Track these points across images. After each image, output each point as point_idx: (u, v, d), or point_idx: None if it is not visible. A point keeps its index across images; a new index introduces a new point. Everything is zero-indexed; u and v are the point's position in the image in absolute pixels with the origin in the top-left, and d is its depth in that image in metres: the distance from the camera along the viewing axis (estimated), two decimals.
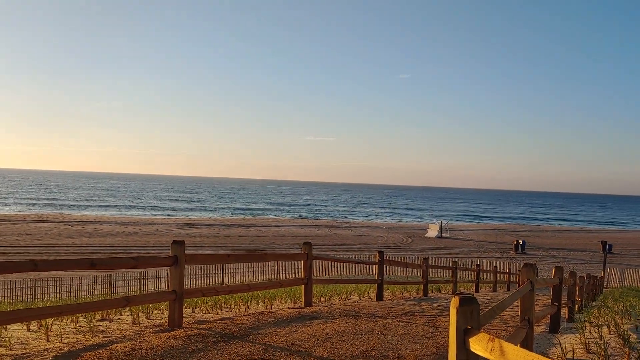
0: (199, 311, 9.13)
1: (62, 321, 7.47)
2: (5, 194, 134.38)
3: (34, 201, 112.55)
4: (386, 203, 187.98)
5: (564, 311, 10.59)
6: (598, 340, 6.75)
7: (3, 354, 5.50)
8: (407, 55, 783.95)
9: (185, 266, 7.41)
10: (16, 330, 6.79)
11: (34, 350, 5.69)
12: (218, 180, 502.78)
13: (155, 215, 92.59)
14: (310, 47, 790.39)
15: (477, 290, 21.69)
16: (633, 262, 50.74)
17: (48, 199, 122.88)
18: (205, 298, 10.41)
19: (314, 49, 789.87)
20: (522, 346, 5.52)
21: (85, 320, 7.51)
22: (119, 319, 7.95)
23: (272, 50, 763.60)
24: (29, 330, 6.87)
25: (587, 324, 8.51)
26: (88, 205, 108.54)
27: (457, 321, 3.29)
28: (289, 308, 9.70)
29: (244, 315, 8.36)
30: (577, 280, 12.53)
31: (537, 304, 11.17)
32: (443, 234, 69.12)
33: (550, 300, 8.63)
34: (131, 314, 8.15)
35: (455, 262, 20.00)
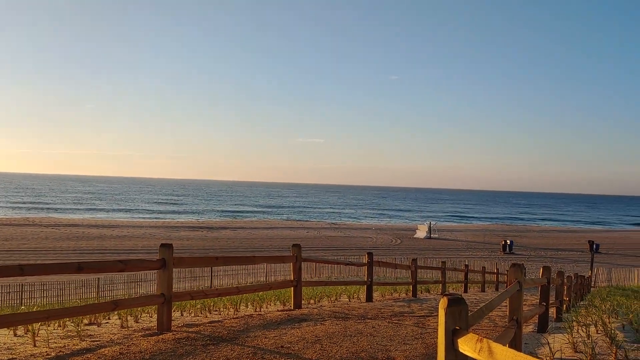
0: (188, 314, 9.09)
1: (49, 326, 7.40)
2: None
3: (20, 204, 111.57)
4: (375, 204, 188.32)
5: (552, 311, 10.67)
6: (586, 339, 6.80)
7: None
8: (397, 56, 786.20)
9: (174, 269, 7.38)
10: (2, 336, 6.72)
11: (21, 356, 5.64)
12: (206, 182, 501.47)
13: (143, 218, 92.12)
14: (296, 48, 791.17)
15: (465, 291, 21.78)
16: (620, 261, 51.24)
17: (34, 202, 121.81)
18: (194, 301, 10.36)
19: (298, 50, 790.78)
20: (511, 346, 5.55)
21: (72, 324, 7.45)
22: (107, 322, 7.89)
23: (258, 51, 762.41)
24: (15, 335, 6.80)
25: (575, 323, 8.58)
26: (75, 209, 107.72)
27: (446, 322, 3.30)
28: (278, 310, 9.69)
29: (233, 318, 8.33)
30: (565, 280, 12.62)
31: (525, 304, 11.23)
32: (432, 235, 69.39)
33: (538, 300, 8.68)
34: (119, 318, 8.09)
35: (444, 262, 20.07)
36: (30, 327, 6.71)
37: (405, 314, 9.80)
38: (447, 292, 3.39)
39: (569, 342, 6.64)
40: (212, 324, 7.62)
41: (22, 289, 23.60)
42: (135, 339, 6.48)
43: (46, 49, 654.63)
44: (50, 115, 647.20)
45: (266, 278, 31.13)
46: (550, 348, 6.16)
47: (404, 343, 6.85)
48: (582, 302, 16.46)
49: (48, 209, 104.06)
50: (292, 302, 10.01)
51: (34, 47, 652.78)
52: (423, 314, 9.95)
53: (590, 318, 9.02)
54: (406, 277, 27.73)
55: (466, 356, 3.24)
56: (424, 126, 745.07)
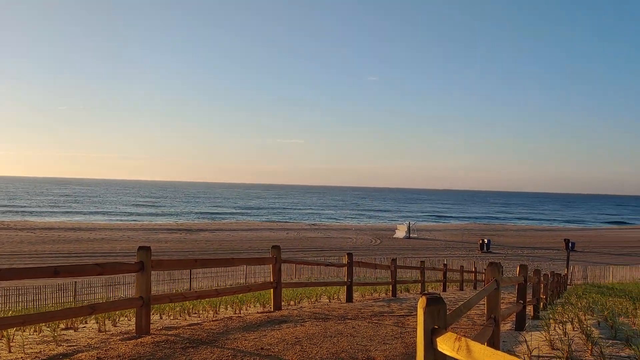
0: (167, 317, 9.02)
1: (24, 331, 7.28)
2: None
3: None
4: (355, 205, 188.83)
5: (530, 309, 10.80)
6: (562, 336, 6.90)
7: None
8: (375, 57, 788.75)
9: (152, 272, 7.32)
10: None
11: None
12: (184, 184, 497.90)
13: (121, 220, 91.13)
14: (271, 53, 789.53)
15: (444, 290, 21.95)
16: (595, 259, 52.07)
17: (8, 205, 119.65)
18: (173, 304, 10.29)
19: (273, 54, 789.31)
20: (489, 344, 5.61)
21: (49, 329, 7.34)
22: (84, 327, 7.79)
23: (234, 56, 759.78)
24: None
25: (551, 321, 8.71)
26: (51, 212, 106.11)
27: (425, 321, 3.33)
28: (258, 312, 9.66)
29: (213, 321, 8.29)
30: (542, 278, 12.79)
31: (503, 302, 11.36)
32: (411, 235, 69.78)
33: (515, 298, 8.78)
34: (97, 322, 7.99)
35: (422, 262, 20.20)
36: (5, 333, 6.60)
37: (385, 314, 9.84)
38: (426, 292, 3.41)
39: (546, 339, 6.73)
40: (192, 327, 7.57)
41: None
42: (113, 343, 6.41)
43: (15, 50, 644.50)
44: (23, 117, 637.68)
45: (246, 280, 31.00)
46: (527, 346, 6.24)
47: (383, 343, 6.87)
48: (558, 300, 16.70)
49: (23, 212, 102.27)
50: (272, 304, 9.99)
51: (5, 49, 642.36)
52: (403, 314, 10.00)
53: (566, 315, 9.16)
54: (386, 277, 27.84)
55: (445, 355, 3.27)
56: (402, 127, 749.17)
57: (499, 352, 2.72)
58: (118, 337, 6.80)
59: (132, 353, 5.88)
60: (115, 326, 7.90)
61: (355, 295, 14.68)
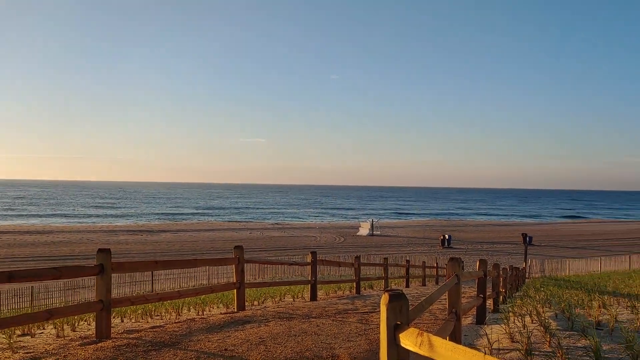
0: (129, 320, 8.87)
1: None
2: None
3: None
4: (318, 203, 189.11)
5: (490, 302, 11.02)
6: (522, 329, 7.06)
7: None
8: (337, 57, 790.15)
9: (113, 275, 7.20)
10: None
11: None
12: (143, 184, 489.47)
13: (80, 222, 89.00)
14: (230, 54, 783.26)
15: (407, 285, 22.20)
16: (552, 252, 53.46)
17: None
18: (135, 307, 10.13)
19: (230, 55, 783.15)
20: (451, 339, 5.70)
21: (4, 336, 7.12)
22: (41, 333, 7.59)
23: (194, 54, 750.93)
24: None
25: (511, 314, 8.90)
26: (5, 215, 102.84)
27: (387, 317, 3.36)
28: (221, 313, 9.59)
29: (175, 323, 8.19)
30: (501, 272, 13.06)
31: (464, 297, 11.56)
32: (374, 232, 70.34)
33: (476, 292, 8.95)
34: (55, 327, 7.80)
35: (386, 259, 20.38)
36: None
37: (349, 311, 9.90)
38: (388, 288, 3.44)
39: (506, 332, 6.88)
40: (154, 329, 7.47)
41: None
42: (72, 348, 6.26)
43: None
44: None
45: (209, 281, 30.71)
46: (488, 339, 6.36)
47: (348, 340, 6.91)
48: (517, 293, 17.08)
49: None
50: (236, 305, 9.93)
51: None
52: (366, 310, 10.07)
53: (525, 308, 9.37)
54: (350, 274, 28.00)
55: (408, 350, 3.30)
56: (364, 125, 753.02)
57: (461, 347, 2.77)
58: (77, 342, 6.65)
59: (92, 358, 5.75)
60: (74, 331, 7.73)
61: (320, 293, 14.71)
